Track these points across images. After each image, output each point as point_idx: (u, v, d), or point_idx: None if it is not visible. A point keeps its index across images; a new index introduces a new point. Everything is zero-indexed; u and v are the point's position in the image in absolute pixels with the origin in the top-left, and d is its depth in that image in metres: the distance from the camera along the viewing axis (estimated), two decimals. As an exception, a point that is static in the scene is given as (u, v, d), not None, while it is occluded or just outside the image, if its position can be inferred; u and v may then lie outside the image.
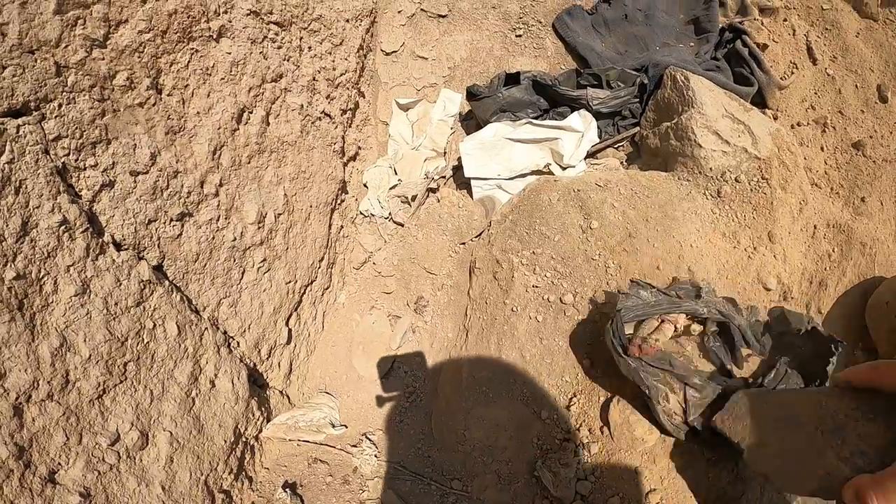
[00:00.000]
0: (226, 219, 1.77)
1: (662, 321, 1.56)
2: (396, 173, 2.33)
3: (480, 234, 2.05)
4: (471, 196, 2.21)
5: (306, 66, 2.08)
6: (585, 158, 2.20)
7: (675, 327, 1.57)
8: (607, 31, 2.59)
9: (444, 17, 2.64)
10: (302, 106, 2.03)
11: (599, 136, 2.28)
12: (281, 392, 2.02)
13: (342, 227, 2.22)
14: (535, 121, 2.20)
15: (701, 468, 1.62)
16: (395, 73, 2.56)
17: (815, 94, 2.50)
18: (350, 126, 2.32)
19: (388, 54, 2.52)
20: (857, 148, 2.42)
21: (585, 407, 1.67)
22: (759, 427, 0.93)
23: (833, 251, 2.28)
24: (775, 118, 2.43)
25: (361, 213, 2.29)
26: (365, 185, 2.35)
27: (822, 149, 2.43)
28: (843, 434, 0.81)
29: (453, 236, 2.10)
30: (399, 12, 2.60)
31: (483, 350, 1.82)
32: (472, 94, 2.32)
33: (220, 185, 1.75)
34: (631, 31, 2.56)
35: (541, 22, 2.66)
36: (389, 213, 2.25)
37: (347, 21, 2.30)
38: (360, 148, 2.38)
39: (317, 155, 2.08)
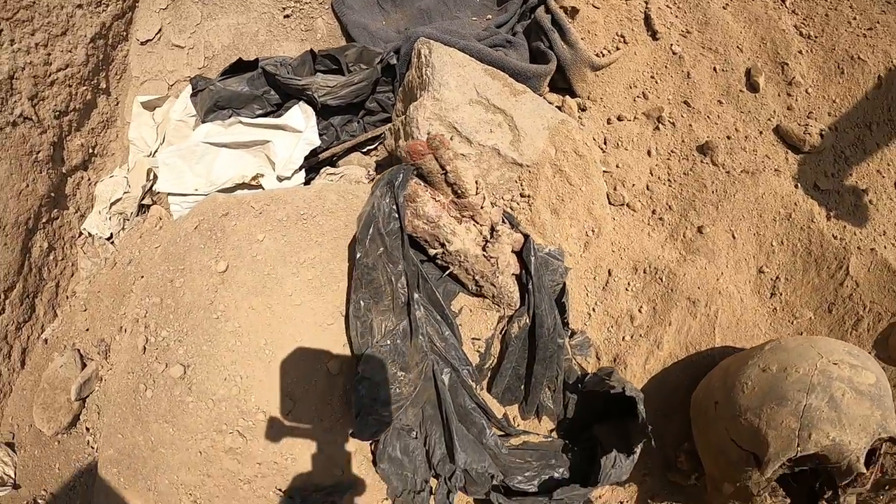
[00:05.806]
0: None
1: None
2: (129, 184, 2.05)
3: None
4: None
5: (2, 63, 1.85)
6: (321, 167, 1.85)
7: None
8: (393, 7, 2.17)
9: (209, -5, 2.29)
10: (-20, 111, 1.80)
11: (338, 137, 1.90)
12: (-36, 442, 1.83)
13: (52, 249, 1.97)
14: (244, 119, 1.85)
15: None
16: (148, 66, 2.26)
17: (652, 77, 1.97)
18: (76, 130, 2.06)
19: (143, 43, 2.23)
20: (704, 152, 1.88)
21: None
22: None
23: (640, 311, 1.79)
24: (583, 109, 1.94)
25: (83, 231, 2.04)
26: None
27: (648, 153, 1.92)
28: None
29: (153, 266, 1.80)
30: (161, -8, 2.27)
31: (125, 421, 1.54)
32: (192, 88, 2.00)
33: None
34: (418, 4, 2.13)
35: (316, -2, 2.28)
36: (111, 233, 1.99)
37: (79, 6, 2.04)
38: (93, 154, 2.12)
39: (2, 168, 1.85)
